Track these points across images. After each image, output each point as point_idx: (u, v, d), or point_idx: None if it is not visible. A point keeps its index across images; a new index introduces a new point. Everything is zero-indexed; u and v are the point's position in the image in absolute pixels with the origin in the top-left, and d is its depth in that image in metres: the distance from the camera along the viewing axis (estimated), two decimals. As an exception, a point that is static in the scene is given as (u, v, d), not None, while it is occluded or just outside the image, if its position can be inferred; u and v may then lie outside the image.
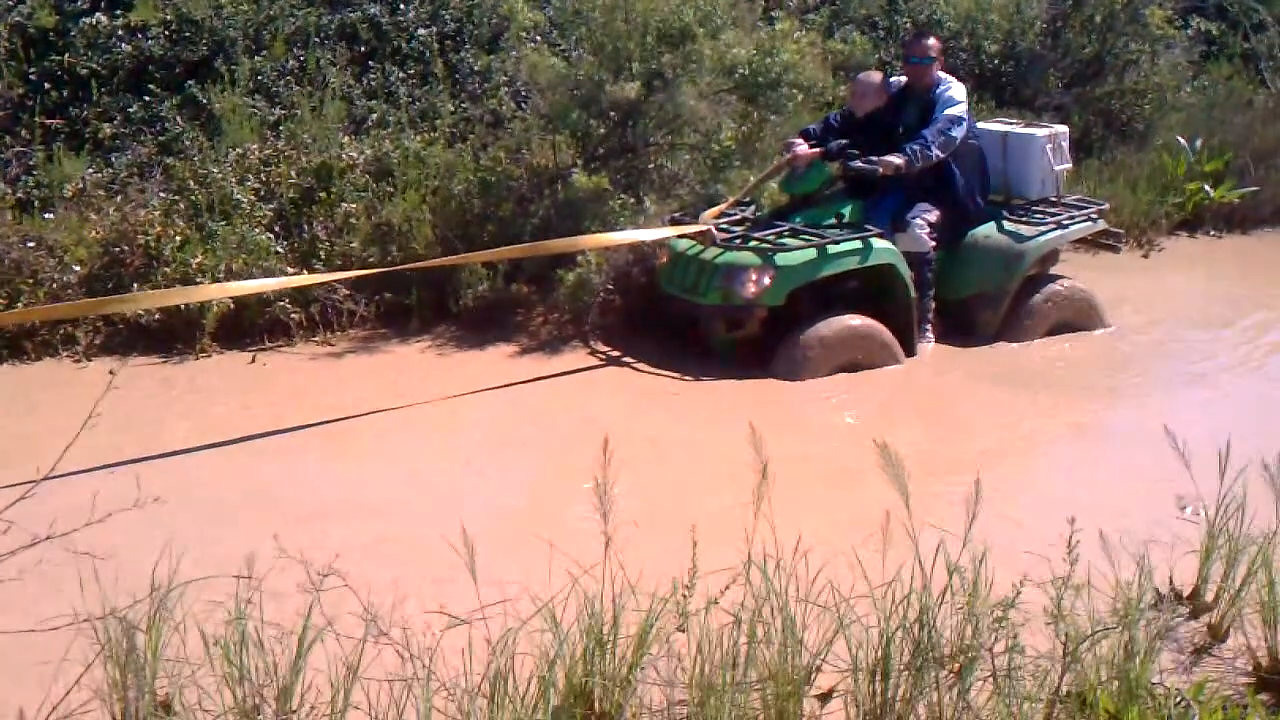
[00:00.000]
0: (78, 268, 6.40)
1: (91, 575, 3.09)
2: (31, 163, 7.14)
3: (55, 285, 6.30)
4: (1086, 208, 7.08)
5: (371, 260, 6.73)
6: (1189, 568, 3.80)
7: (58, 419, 5.12)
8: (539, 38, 8.39)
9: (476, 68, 8.35)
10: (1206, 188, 9.28)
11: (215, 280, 6.33)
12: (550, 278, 6.81)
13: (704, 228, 6.48)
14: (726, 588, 3.10)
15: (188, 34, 7.92)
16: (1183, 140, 9.46)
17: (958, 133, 6.46)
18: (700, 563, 3.16)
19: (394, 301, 6.80)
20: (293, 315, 6.51)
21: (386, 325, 6.78)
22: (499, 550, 3.18)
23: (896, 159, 6.33)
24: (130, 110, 7.57)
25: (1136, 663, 3.02)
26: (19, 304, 6.14)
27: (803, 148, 6.61)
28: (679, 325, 6.57)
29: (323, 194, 7.06)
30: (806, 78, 7.66)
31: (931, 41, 6.79)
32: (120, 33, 7.83)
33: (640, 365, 6.36)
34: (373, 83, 8.15)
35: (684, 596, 3.22)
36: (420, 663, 2.84)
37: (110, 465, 4.64)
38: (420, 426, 5.52)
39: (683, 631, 3.12)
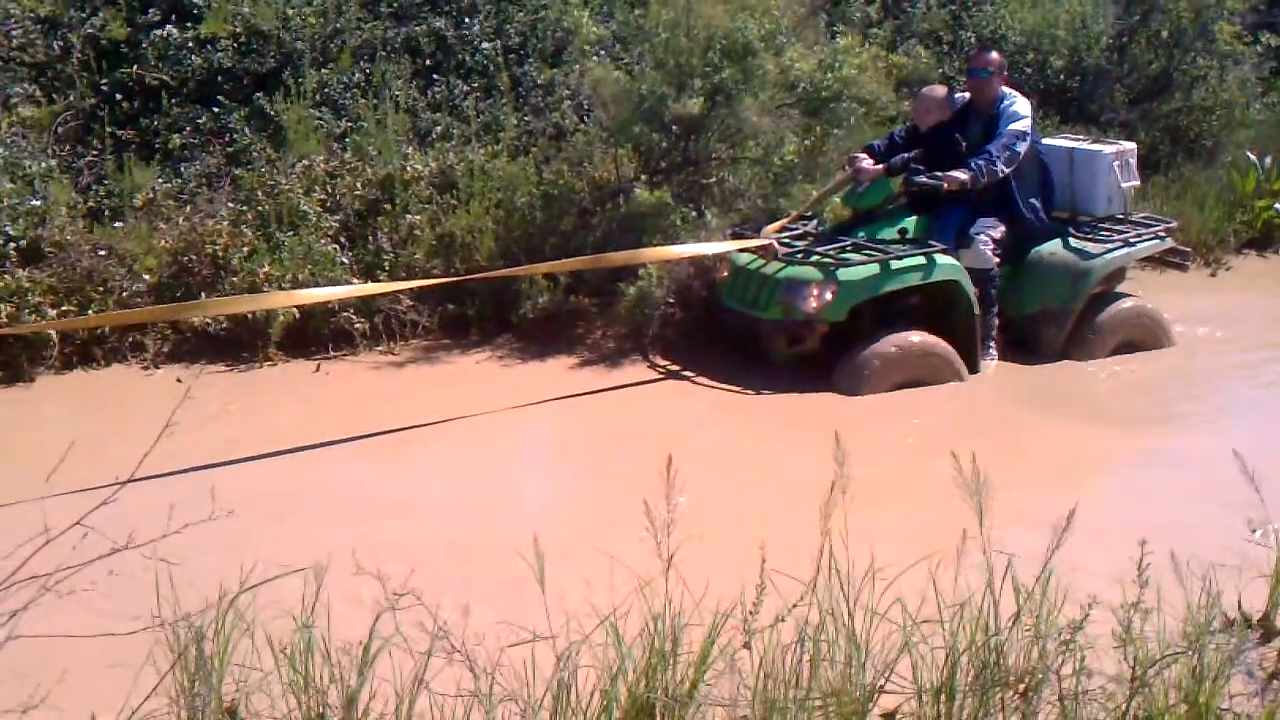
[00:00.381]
0: (147, 276, 6.52)
1: (163, 580, 3.12)
2: (102, 172, 7.27)
3: (125, 293, 6.42)
4: (1154, 225, 6.98)
5: (435, 271, 6.79)
6: (1259, 592, 3.73)
7: (126, 425, 5.23)
8: (602, 51, 8.44)
9: (540, 81, 8.41)
10: (1276, 205, 9.14)
11: (282, 290, 6.42)
12: (611, 290, 6.83)
13: (765, 242, 6.46)
14: (794, 605, 3.07)
15: (256, 46, 8.03)
16: (1252, 157, 9.32)
17: (1022, 147, 6.40)
18: (764, 578, 3.15)
19: (456, 312, 6.86)
20: (357, 325, 6.60)
21: (448, 336, 6.85)
22: (560, 562, 3.19)
23: (961, 174, 6.28)
24: (199, 121, 7.68)
25: (1206, 688, 2.97)
26: (89, 311, 6.25)
27: (866, 163, 6.59)
28: (739, 339, 6.56)
29: (387, 206, 7.15)
30: (867, 92, 7.66)
31: (993, 55, 6.73)
32: (190, 45, 7.95)
33: (700, 379, 6.35)
34: (437, 96, 8.23)
35: (751, 614, 3.20)
36: (485, 675, 2.85)
37: (180, 471, 4.69)
38: (482, 436, 5.56)
39: (748, 648, 3.11)
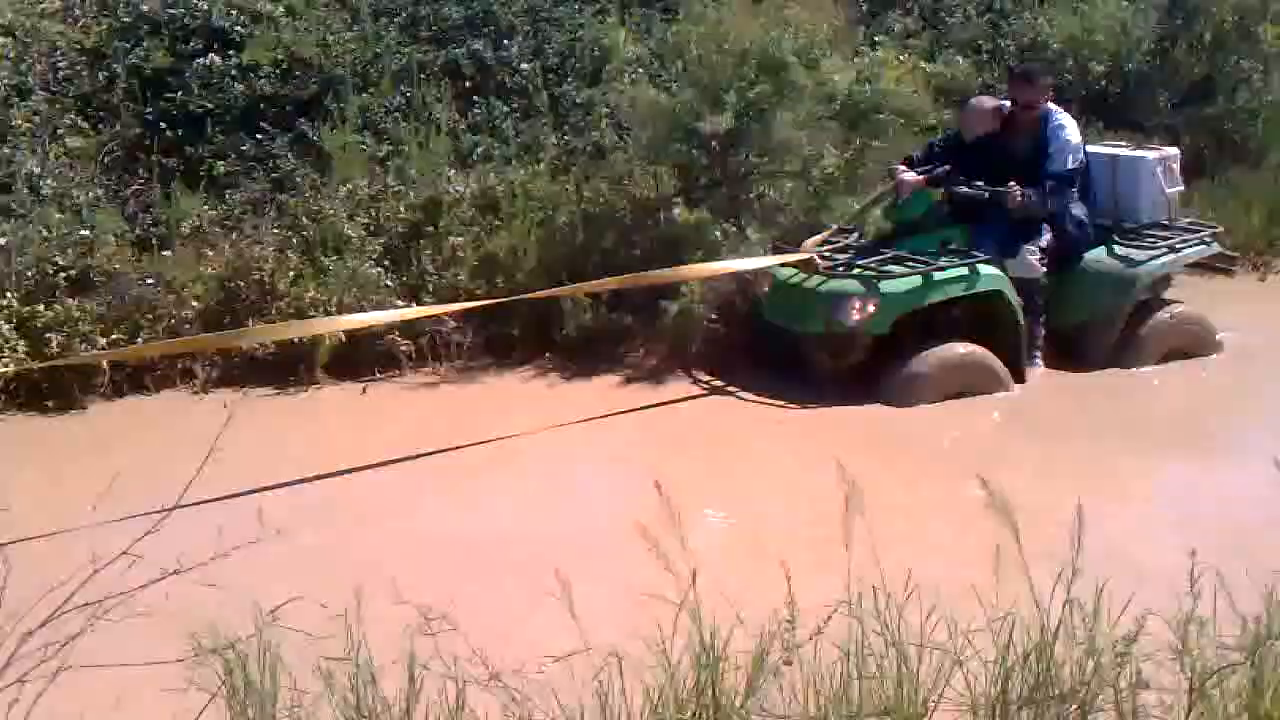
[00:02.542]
0: (195, 303, 6.61)
1: (211, 604, 3.14)
2: (149, 201, 7.35)
3: (173, 320, 6.51)
4: (1199, 231, 6.91)
5: (479, 292, 6.84)
6: (1318, 603, 3.66)
7: (177, 451, 5.24)
8: (640, 69, 8.46)
9: (579, 100, 8.44)
10: (1325, 208, 9.01)
11: (328, 314, 6.50)
12: (653, 308, 6.83)
13: (807, 256, 6.45)
14: (829, 618, 3.04)
15: (298, 73, 8.11)
16: (1298, 159, 9.21)
17: (1074, 177, 6.44)
18: (806, 595, 3.11)
19: (499, 332, 6.90)
20: (402, 347, 6.65)
21: (492, 355, 6.89)
22: (602, 581, 3.19)
23: (1027, 194, 6.27)
24: (243, 148, 7.76)
25: (1266, 700, 2.92)
26: (139, 339, 6.35)
27: (908, 175, 6.56)
28: (783, 354, 6.54)
29: (430, 228, 7.21)
30: (906, 103, 7.64)
31: (1039, 72, 6.74)
32: (233, 73, 8.03)
33: (744, 394, 6.35)
34: (477, 117, 8.28)
35: (788, 627, 3.17)
36: (526, 700, 2.85)
37: (227, 496, 4.71)
38: (529, 456, 5.56)
39: (789, 664, 3.08)
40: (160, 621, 3.42)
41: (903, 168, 6.66)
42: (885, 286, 6.14)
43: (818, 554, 3.36)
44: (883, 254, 6.41)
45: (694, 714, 2.97)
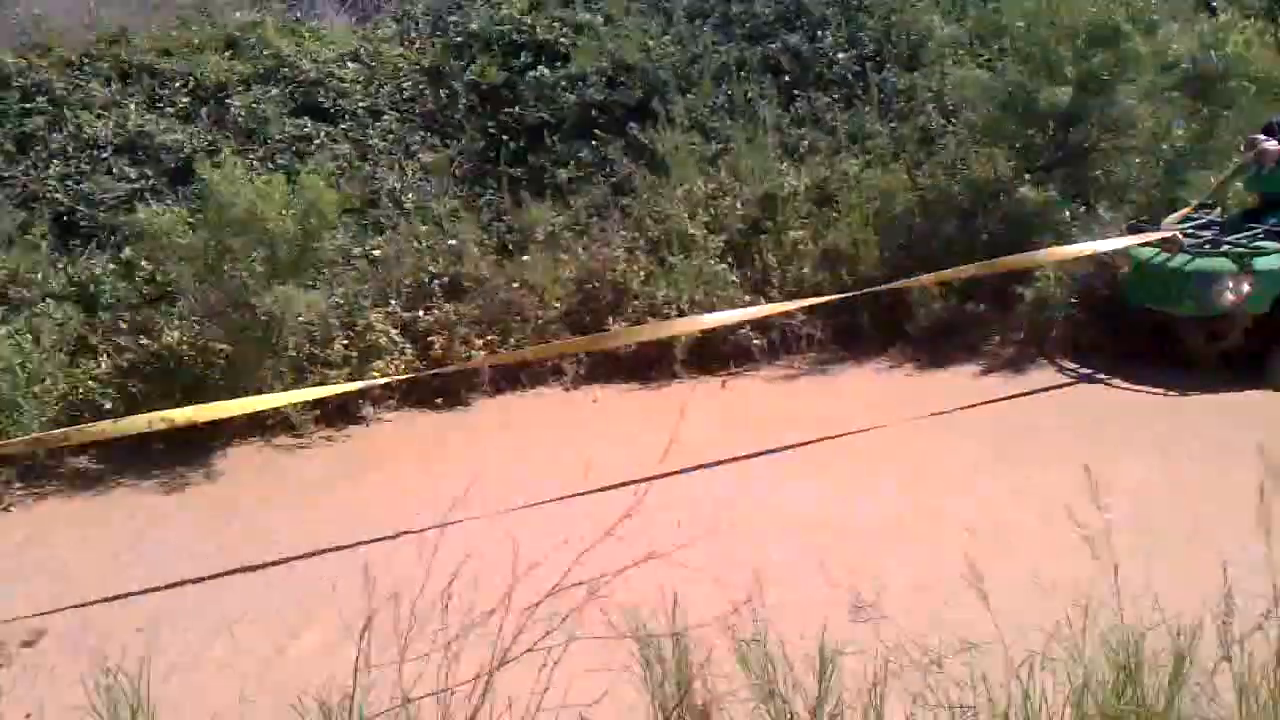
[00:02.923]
0: (557, 304, 6.90)
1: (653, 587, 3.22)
2: (502, 209, 7.70)
3: (539, 321, 6.83)
4: None
5: (823, 285, 6.89)
6: None
7: (556, 440, 5.56)
8: (960, 50, 8.34)
9: (900, 86, 8.38)
10: None
11: (680, 311, 6.70)
12: (1006, 295, 6.73)
13: (1168, 234, 6.23)
14: (1267, 613, 2.90)
15: (622, 79, 8.35)
16: None
17: None
18: (1220, 589, 2.97)
19: (848, 324, 6.93)
20: (755, 341, 6.78)
21: (842, 347, 6.94)
22: (999, 576, 3.12)
23: None
24: (580, 155, 8.04)
25: None
26: (511, 340, 6.70)
27: (1270, 144, 6.26)
28: (1151, 338, 6.33)
29: (769, 223, 7.31)
30: (1257, 69, 7.28)
31: None
32: (563, 83, 8.34)
33: (1115, 381, 6.17)
34: (800, 110, 8.32)
35: (1224, 623, 3.05)
36: (949, 688, 2.85)
37: (629, 482, 4.74)
38: (901, 447, 5.53)
39: (1229, 661, 2.96)
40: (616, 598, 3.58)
41: (1263, 136, 6.35)
42: (1260, 263, 5.87)
43: (1233, 546, 3.21)
44: (1252, 229, 6.13)
45: (1117, 712, 2.88)
